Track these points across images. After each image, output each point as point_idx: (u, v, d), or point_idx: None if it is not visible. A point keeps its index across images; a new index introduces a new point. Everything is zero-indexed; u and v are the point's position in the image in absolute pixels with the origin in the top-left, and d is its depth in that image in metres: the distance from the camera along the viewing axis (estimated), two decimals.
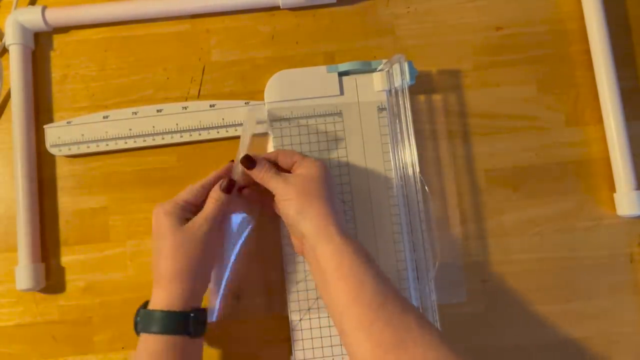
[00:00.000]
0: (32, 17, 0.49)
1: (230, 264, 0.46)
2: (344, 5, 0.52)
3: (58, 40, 0.51)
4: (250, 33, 0.51)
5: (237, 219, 0.46)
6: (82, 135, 0.48)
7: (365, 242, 0.46)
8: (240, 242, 0.47)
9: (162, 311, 0.39)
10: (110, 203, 0.49)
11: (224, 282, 0.46)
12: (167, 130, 0.48)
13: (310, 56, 0.51)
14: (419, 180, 0.45)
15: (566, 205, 0.49)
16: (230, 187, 0.42)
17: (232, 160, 0.45)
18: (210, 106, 0.48)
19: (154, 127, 0.48)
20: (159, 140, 0.48)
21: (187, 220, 0.41)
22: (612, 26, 0.49)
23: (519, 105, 0.51)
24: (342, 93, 0.48)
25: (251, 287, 0.47)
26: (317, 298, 0.46)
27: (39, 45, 0.51)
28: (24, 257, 0.46)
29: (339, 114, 0.48)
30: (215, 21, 0.51)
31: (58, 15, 0.50)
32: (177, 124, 0.48)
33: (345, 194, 0.47)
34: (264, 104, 0.48)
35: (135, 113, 0.48)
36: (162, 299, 0.39)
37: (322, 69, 0.48)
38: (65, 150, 0.48)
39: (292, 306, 0.46)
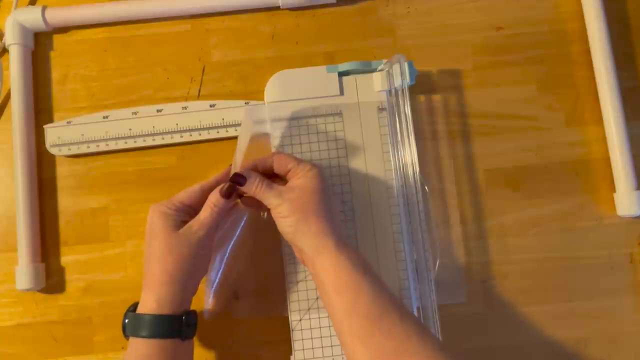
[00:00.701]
0: (32, 17, 0.49)
1: (224, 261, 0.46)
2: (344, 5, 0.52)
3: (58, 40, 0.51)
4: (250, 33, 0.51)
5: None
6: (82, 135, 0.48)
7: (365, 242, 0.46)
8: (235, 237, 0.47)
9: (152, 315, 0.38)
10: (110, 203, 0.49)
11: (217, 280, 0.46)
12: (167, 130, 0.48)
13: (310, 56, 0.51)
14: (419, 180, 0.45)
15: (566, 205, 0.49)
16: (230, 192, 0.40)
17: (230, 186, 0.43)
18: (210, 106, 0.48)
19: (154, 127, 0.48)
20: (159, 140, 0.48)
21: (183, 222, 0.40)
22: (612, 26, 0.49)
23: (519, 105, 0.51)
24: (342, 93, 0.48)
25: (251, 287, 0.47)
26: (317, 298, 0.46)
27: (39, 45, 0.51)
28: (24, 257, 0.46)
29: (339, 114, 0.48)
30: (215, 21, 0.51)
31: (58, 15, 0.50)
32: (177, 124, 0.48)
33: (345, 194, 0.47)
34: (264, 104, 0.48)
35: (135, 113, 0.48)
36: (152, 302, 0.38)
37: (322, 69, 0.48)
38: (65, 150, 0.48)
39: (292, 306, 0.46)
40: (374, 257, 0.46)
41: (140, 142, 0.48)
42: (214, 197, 0.41)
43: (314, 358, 0.45)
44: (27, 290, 0.46)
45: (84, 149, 0.48)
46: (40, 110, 0.50)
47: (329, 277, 0.37)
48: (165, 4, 0.50)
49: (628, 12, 0.52)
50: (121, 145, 0.48)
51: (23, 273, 0.46)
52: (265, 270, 0.48)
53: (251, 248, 0.48)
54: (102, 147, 0.48)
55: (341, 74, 0.48)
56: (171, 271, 0.39)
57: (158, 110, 0.48)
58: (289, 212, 0.39)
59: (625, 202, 0.47)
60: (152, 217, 0.41)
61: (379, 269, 0.46)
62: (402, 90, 0.45)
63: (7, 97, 0.50)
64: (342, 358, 0.45)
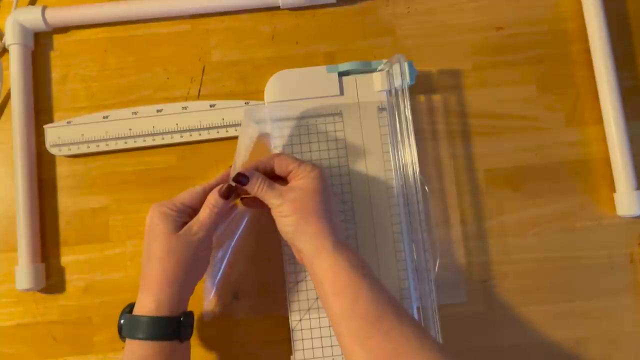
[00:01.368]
0: (32, 17, 0.49)
1: (225, 261, 0.46)
2: (344, 5, 0.52)
3: (58, 40, 0.51)
4: (250, 33, 0.51)
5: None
6: (82, 135, 0.48)
7: (365, 242, 0.46)
8: (236, 237, 0.47)
9: (149, 317, 0.38)
10: (110, 203, 0.49)
11: (217, 280, 0.46)
12: (167, 130, 0.48)
13: (310, 56, 0.51)
14: (419, 180, 0.45)
15: (566, 205, 0.49)
16: (229, 192, 0.40)
17: (229, 186, 0.42)
18: (210, 106, 0.48)
19: (154, 127, 0.48)
20: (159, 140, 0.48)
21: (184, 223, 0.40)
22: (612, 26, 0.49)
23: (519, 105, 0.51)
24: (342, 93, 0.48)
25: (251, 287, 0.47)
26: (317, 298, 0.46)
27: (39, 45, 0.51)
28: (24, 257, 0.46)
29: (339, 114, 0.48)
30: (215, 21, 0.51)
31: (58, 15, 0.50)
32: (177, 124, 0.48)
33: (345, 194, 0.47)
34: (264, 103, 0.48)
35: (135, 113, 0.48)
36: (150, 303, 0.38)
37: (322, 69, 0.48)
38: (65, 150, 0.48)
39: (292, 306, 0.46)
40: (374, 257, 0.46)
41: (140, 142, 0.48)
42: (213, 198, 0.41)
43: (314, 358, 0.45)
44: (27, 290, 0.46)
45: (84, 149, 0.48)
46: (40, 110, 0.50)
47: (327, 278, 0.37)
48: (165, 4, 0.50)
49: (628, 12, 0.52)
50: (121, 145, 0.48)
51: (23, 273, 0.46)
52: (265, 270, 0.48)
53: (251, 248, 0.48)
54: (102, 147, 0.48)
55: (341, 74, 0.48)
56: (170, 273, 0.39)
57: (158, 110, 0.48)
58: (290, 212, 0.39)
59: (625, 202, 0.47)
60: (153, 217, 0.40)
61: (379, 269, 0.46)
62: (402, 90, 0.45)
63: (7, 97, 0.50)
64: (342, 358, 0.45)
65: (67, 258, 0.48)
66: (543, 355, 0.47)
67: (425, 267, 0.45)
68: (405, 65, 0.45)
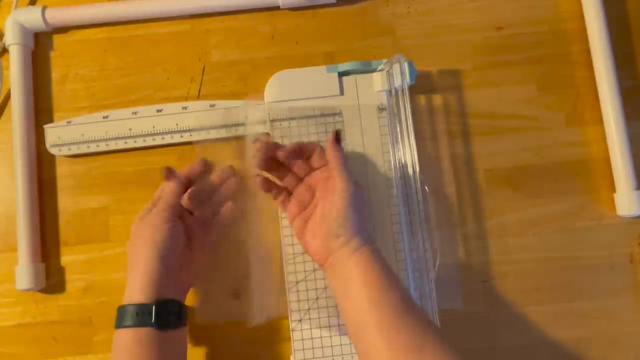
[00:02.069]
0: (32, 17, 0.49)
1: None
2: (344, 5, 0.52)
3: (58, 40, 0.51)
4: (250, 33, 0.51)
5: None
6: (82, 135, 0.48)
7: None
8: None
9: (122, 305, 0.39)
10: (110, 203, 0.49)
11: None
12: (167, 130, 0.48)
13: (310, 56, 0.51)
14: (419, 180, 0.45)
15: (566, 205, 0.49)
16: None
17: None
18: (210, 106, 0.48)
19: (154, 127, 0.48)
20: (159, 140, 0.48)
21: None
22: (612, 26, 0.49)
23: (519, 105, 0.51)
24: (342, 93, 0.48)
25: (251, 287, 0.47)
26: (317, 298, 0.46)
27: (39, 45, 0.51)
28: (24, 257, 0.46)
29: (339, 114, 0.48)
30: (215, 21, 0.51)
31: (58, 15, 0.50)
32: (177, 124, 0.48)
33: None
34: (264, 103, 0.48)
35: (135, 113, 0.48)
36: (127, 291, 0.40)
37: (322, 69, 0.48)
38: (65, 150, 0.48)
39: (292, 306, 0.46)
40: None
41: (140, 142, 0.48)
42: (165, 185, 0.43)
43: (314, 358, 0.45)
44: (27, 290, 0.46)
45: (84, 149, 0.48)
46: (40, 110, 0.50)
47: (359, 266, 0.38)
48: (165, 4, 0.50)
49: (628, 12, 0.52)
50: (121, 145, 0.48)
51: (23, 273, 0.46)
52: (265, 270, 0.48)
53: (251, 248, 0.48)
54: (102, 147, 0.48)
55: (341, 74, 0.48)
56: (139, 258, 0.40)
57: (158, 110, 0.48)
58: (349, 193, 0.39)
59: (625, 202, 0.47)
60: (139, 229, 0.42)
61: None
62: (402, 90, 0.45)
63: (7, 97, 0.50)
64: (342, 358, 0.45)
65: (67, 258, 0.48)
66: (543, 355, 0.47)
67: (425, 267, 0.45)
68: (405, 65, 0.45)
